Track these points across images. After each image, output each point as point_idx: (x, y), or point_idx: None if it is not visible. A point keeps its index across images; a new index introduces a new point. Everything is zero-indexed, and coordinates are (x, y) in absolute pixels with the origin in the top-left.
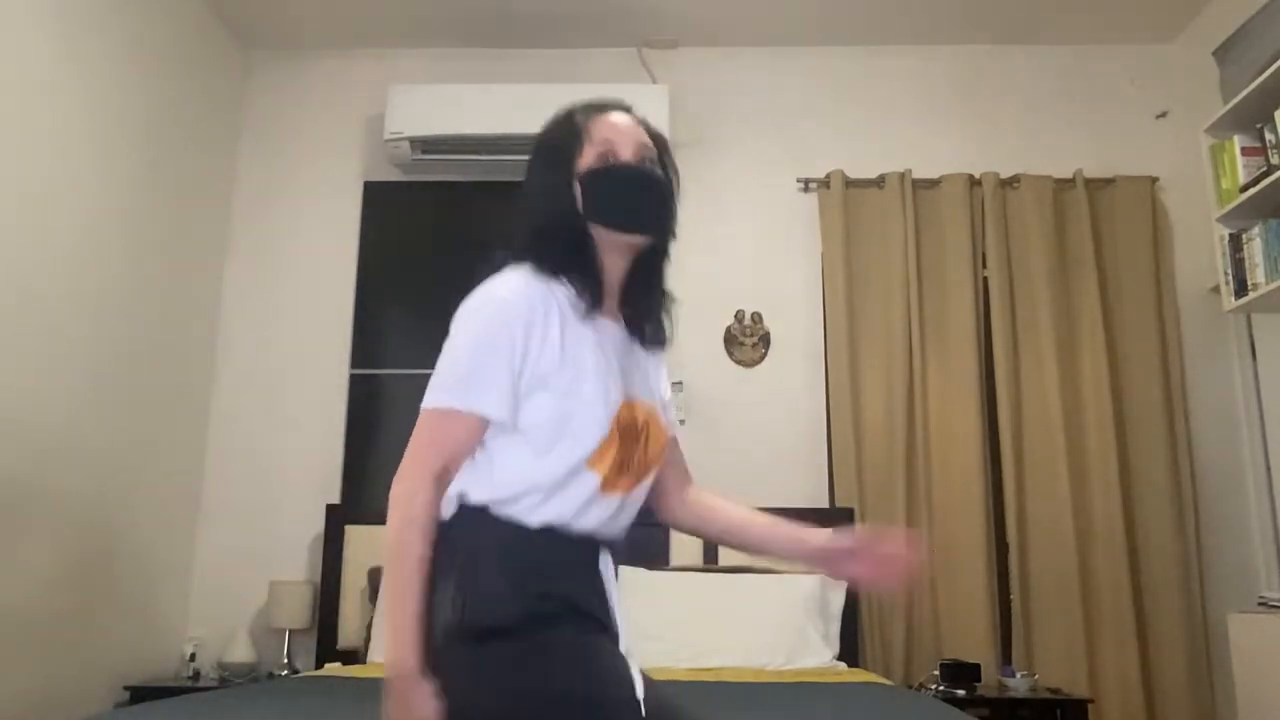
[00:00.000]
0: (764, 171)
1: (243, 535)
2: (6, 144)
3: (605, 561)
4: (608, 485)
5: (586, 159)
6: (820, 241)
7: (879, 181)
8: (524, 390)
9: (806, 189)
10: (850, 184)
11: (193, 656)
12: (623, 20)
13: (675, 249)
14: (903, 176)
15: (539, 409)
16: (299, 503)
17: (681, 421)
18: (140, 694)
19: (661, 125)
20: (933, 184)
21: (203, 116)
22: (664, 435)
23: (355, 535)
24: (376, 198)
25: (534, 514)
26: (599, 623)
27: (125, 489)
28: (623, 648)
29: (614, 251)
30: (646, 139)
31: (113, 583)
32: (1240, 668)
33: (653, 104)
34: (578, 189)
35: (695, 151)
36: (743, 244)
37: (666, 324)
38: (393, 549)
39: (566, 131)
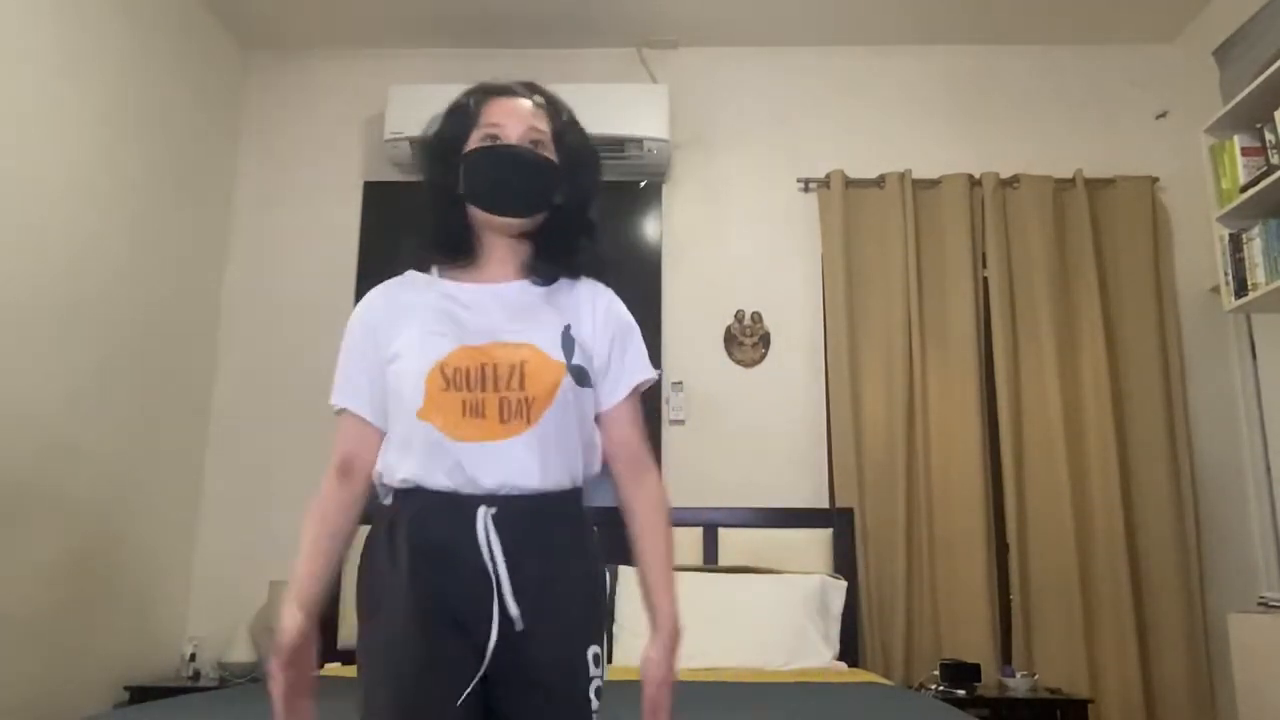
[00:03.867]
0: (764, 171)
1: (243, 535)
2: (6, 144)
3: (482, 515)
4: (449, 431)
5: (471, 143)
6: (820, 241)
7: (879, 181)
8: (388, 365)
9: (806, 189)
10: (850, 184)
11: (193, 656)
12: (623, 20)
13: (680, 250)
14: (903, 176)
15: (390, 371)
16: (299, 503)
17: (681, 421)
18: (140, 694)
19: (661, 125)
20: (933, 184)
21: (202, 117)
22: (551, 372)
23: (355, 535)
24: (376, 198)
25: (396, 476)
26: (461, 573)
27: (125, 489)
28: (505, 588)
29: (495, 227)
30: (539, 121)
31: (113, 583)
32: (1240, 668)
33: (653, 104)
34: (461, 172)
35: (695, 151)
36: (742, 244)
37: (561, 263)
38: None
39: (457, 118)
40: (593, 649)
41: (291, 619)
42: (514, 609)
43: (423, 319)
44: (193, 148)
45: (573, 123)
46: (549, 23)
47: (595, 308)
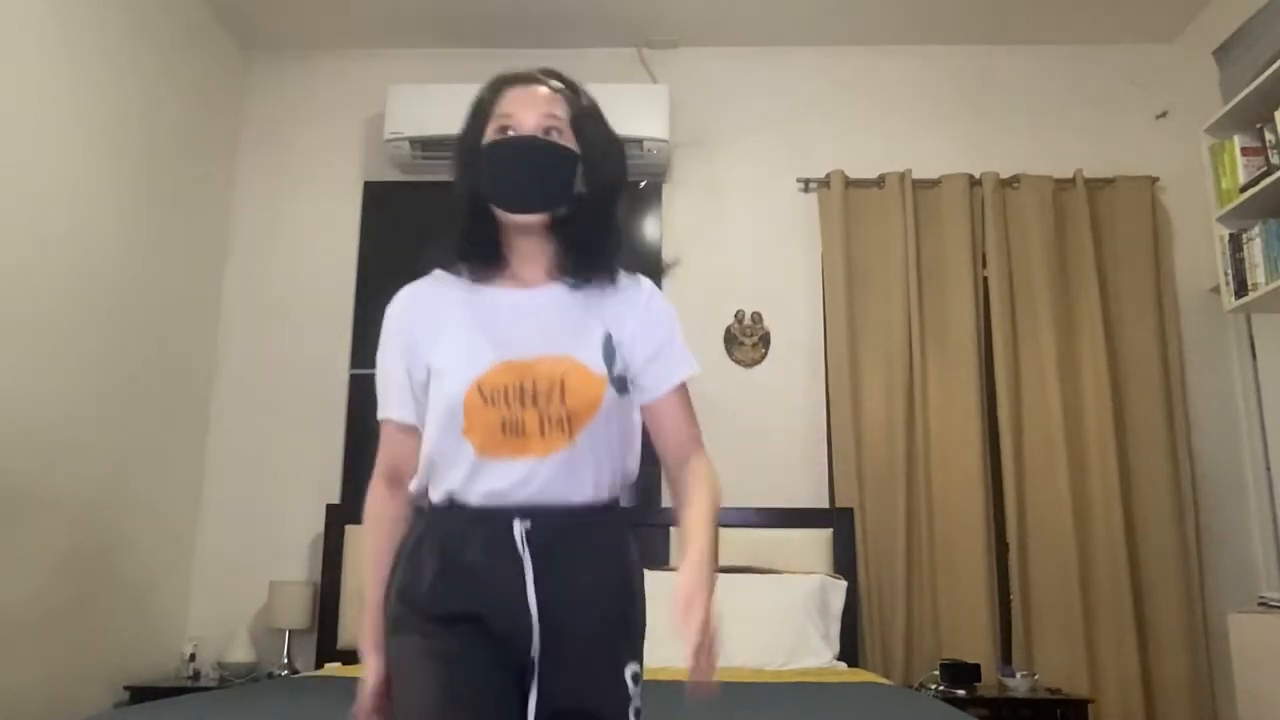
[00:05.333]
0: (764, 171)
1: (243, 535)
2: (5, 144)
3: (518, 530)
4: (489, 450)
5: (487, 137)
6: (820, 241)
7: (879, 181)
8: (428, 384)
9: (806, 189)
10: (850, 184)
11: (193, 656)
12: (623, 20)
13: (685, 252)
14: (903, 176)
15: (431, 391)
16: (299, 503)
17: None
18: (140, 694)
19: (661, 125)
20: (933, 184)
21: (202, 116)
22: (592, 387)
23: (355, 535)
24: (376, 198)
25: (434, 493)
26: (495, 594)
27: (125, 489)
28: (533, 610)
29: (520, 224)
30: (555, 108)
31: (113, 583)
32: (1240, 668)
33: (653, 104)
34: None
35: (695, 151)
36: (743, 244)
37: (597, 263)
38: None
39: (475, 114)
40: (631, 668)
41: (374, 669)
42: (536, 625)
43: (458, 332)
44: (193, 148)
45: (594, 109)
46: (549, 23)
47: (636, 305)
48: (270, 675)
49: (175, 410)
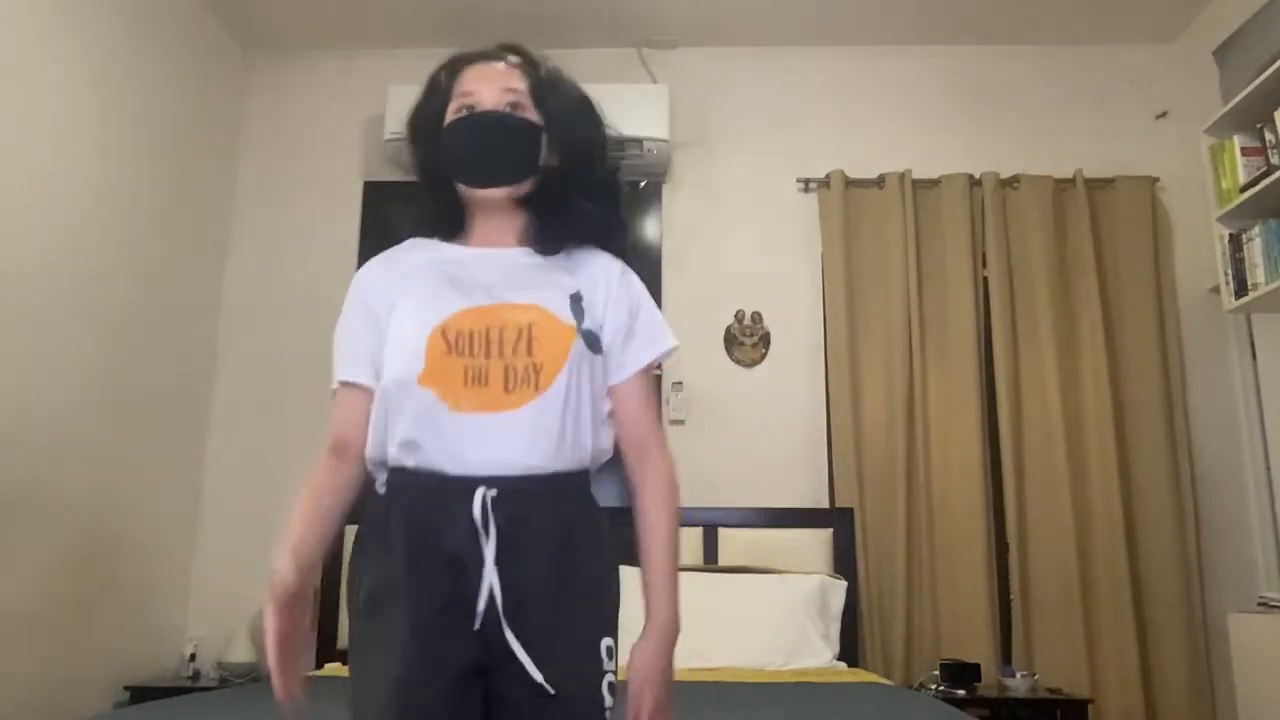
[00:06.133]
0: (764, 171)
1: (243, 535)
2: (6, 145)
3: (479, 499)
4: (449, 401)
5: (448, 117)
6: (820, 241)
7: (879, 181)
8: (387, 331)
9: (806, 189)
10: (850, 184)
11: (193, 656)
12: (623, 20)
13: (678, 247)
14: (903, 176)
15: (389, 336)
16: None
17: (681, 421)
18: (140, 694)
19: (661, 125)
20: (933, 184)
21: (202, 116)
22: (560, 336)
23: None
24: (376, 197)
25: (388, 450)
26: (449, 567)
27: (125, 489)
28: (490, 582)
29: (486, 198)
30: (514, 81)
31: (113, 583)
32: (1240, 668)
33: (653, 104)
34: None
35: (695, 151)
36: (743, 244)
37: (566, 232)
38: None
39: (433, 94)
40: (606, 640)
41: (285, 566)
42: (499, 598)
43: (423, 280)
44: (193, 147)
45: (555, 77)
46: (549, 22)
47: (608, 280)
48: (270, 675)
49: (175, 410)
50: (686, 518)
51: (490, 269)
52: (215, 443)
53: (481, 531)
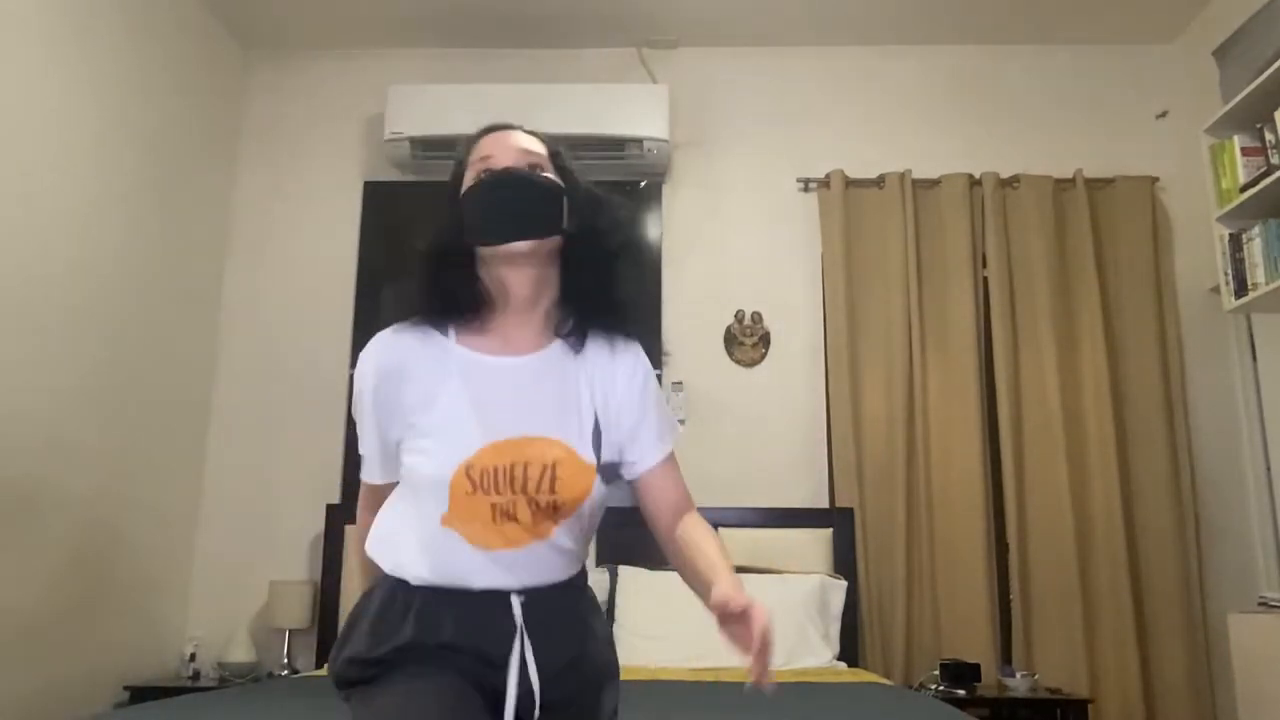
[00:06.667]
0: (764, 171)
1: (243, 535)
2: (5, 143)
3: (513, 608)
4: (477, 540)
5: (466, 184)
6: (820, 241)
7: (879, 181)
8: (402, 442)
9: (806, 189)
10: (850, 184)
11: (193, 656)
12: (623, 20)
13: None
14: (903, 176)
15: (406, 462)
16: (299, 503)
17: (682, 422)
18: (140, 694)
19: (661, 125)
20: (933, 184)
21: (202, 116)
22: (583, 478)
23: (355, 535)
24: (376, 198)
25: (408, 573)
26: (479, 665)
27: (125, 489)
28: (521, 678)
29: (510, 269)
30: (534, 148)
31: (113, 583)
32: (1240, 668)
33: (653, 104)
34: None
35: (695, 151)
36: (743, 244)
37: (595, 315)
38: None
39: (454, 169)
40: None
41: None
42: (537, 694)
43: (444, 405)
44: (193, 147)
45: (564, 157)
46: (549, 22)
47: (622, 374)
48: (270, 675)
49: (175, 410)
50: None
51: (513, 391)
52: (215, 443)
53: (519, 634)
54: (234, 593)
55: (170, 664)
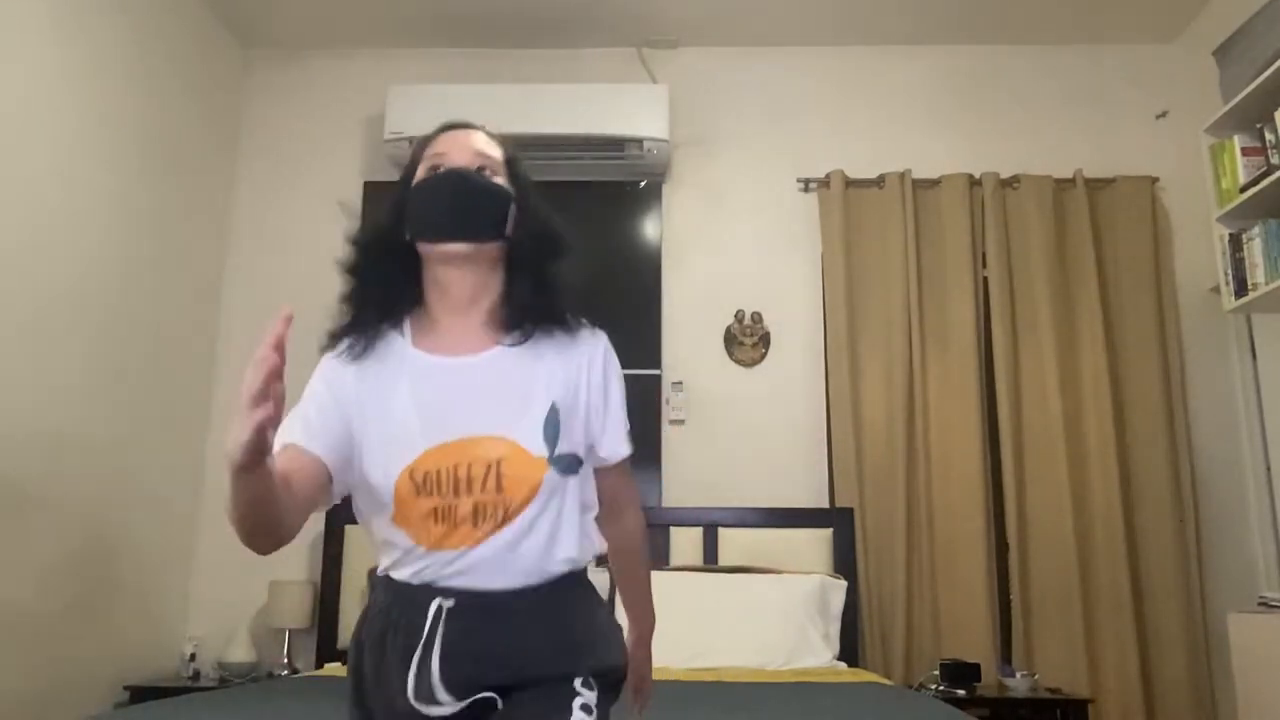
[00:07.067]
0: (764, 171)
1: None
2: (5, 143)
3: (434, 609)
4: (421, 540)
5: (417, 177)
6: (820, 241)
7: (879, 181)
8: (351, 444)
9: (806, 189)
10: (850, 184)
11: (193, 656)
12: (623, 20)
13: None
14: (903, 176)
15: (358, 469)
16: None
17: (681, 421)
18: (140, 694)
19: (661, 125)
20: (933, 184)
21: (202, 117)
22: (532, 473)
23: (355, 535)
24: (376, 198)
25: (379, 568)
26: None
27: (125, 489)
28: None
29: (447, 268)
30: (489, 151)
31: (113, 582)
32: (1240, 668)
33: (653, 104)
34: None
35: (695, 151)
36: (743, 244)
37: (534, 317)
38: None
39: (407, 167)
40: (580, 699)
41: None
42: (439, 691)
43: (391, 409)
44: (193, 147)
45: (524, 165)
46: (549, 23)
47: (592, 367)
48: (270, 675)
49: (175, 410)
50: (687, 518)
51: (458, 392)
52: (215, 443)
53: (432, 635)
54: (234, 593)
55: (170, 664)
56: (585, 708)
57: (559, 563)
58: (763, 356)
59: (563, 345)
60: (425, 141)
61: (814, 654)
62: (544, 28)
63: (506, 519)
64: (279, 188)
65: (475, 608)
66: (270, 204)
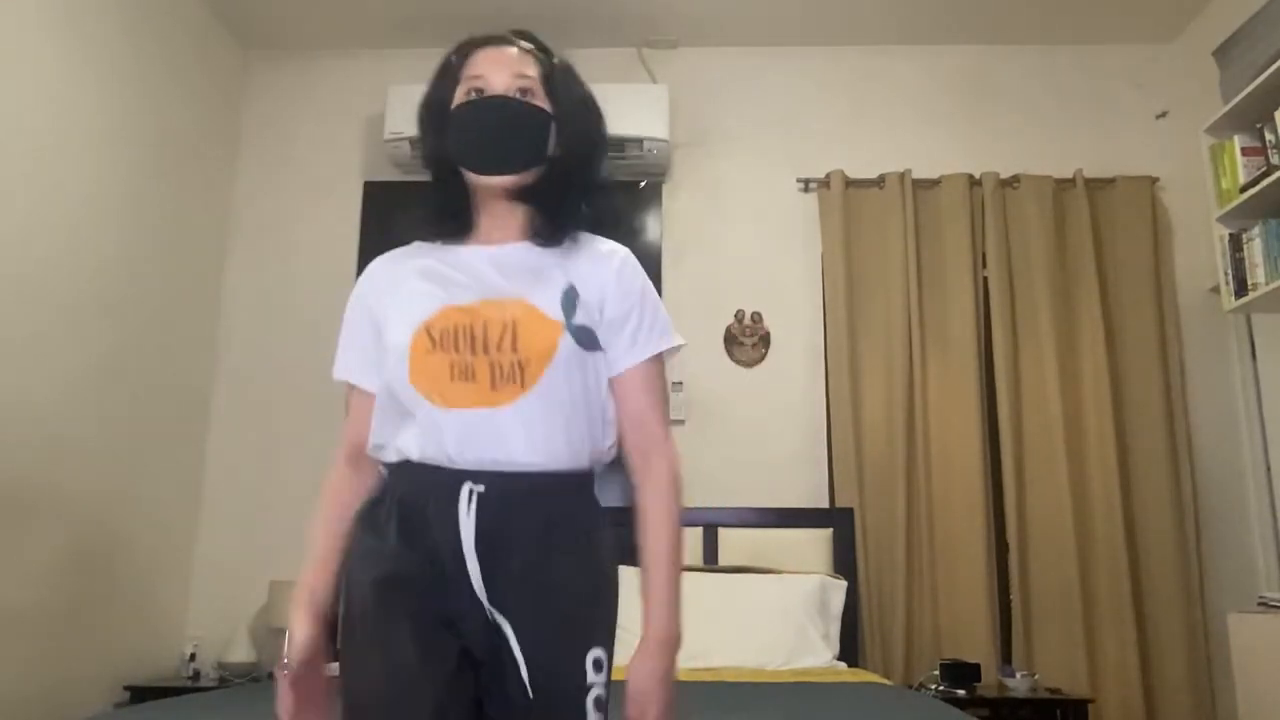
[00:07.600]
0: (764, 171)
1: (243, 535)
2: (5, 143)
3: (464, 494)
4: (437, 397)
5: (456, 100)
6: (820, 241)
7: (879, 181)
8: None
9: (806, 189)
10: (850, 184)
11: (193, 656)
12: (623, 20)
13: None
14: (903, 176)
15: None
16: (299, 503)
17: (681, 421)
18: (140, 694)
19: (661, 125)
20: (933, 184)
21: (202, 117)
22: (546, 332)
23: None
24: (376, 198)
25: (388, 450)
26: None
27: (125, 488)
28: (474, 575)
29: (490, 186)
30: (526, 68)
31: (113, 582)
32: (1240, 668)
33: (653, 104)
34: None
35: (695, 151)
36: (743, 244)
37: (567, 225)
38: None
39: (442, 78)
40: (593, 653)
41: (302, 629)
42: (483, 595)
43: (411, 282)
44: (193, 148)
45: (566, 69)
46: (549, 23)
47: (609, 265)
48: (270, 675)
49: (175, 410)
50: (686, 518)
51: (484, 265)
52: (215, 443)
53: (465, 529)
54: (234, 593)
55: (170, 664)
56: (598, 701)
57: (578, 451)
58: (763, 357)
59: (592, 250)
60: (463, 55)
61: (814, 654)
62: (544, 28)
63: (525, 384)
64: (279, 187)
65: (505, 492)
66: (270, 204)
